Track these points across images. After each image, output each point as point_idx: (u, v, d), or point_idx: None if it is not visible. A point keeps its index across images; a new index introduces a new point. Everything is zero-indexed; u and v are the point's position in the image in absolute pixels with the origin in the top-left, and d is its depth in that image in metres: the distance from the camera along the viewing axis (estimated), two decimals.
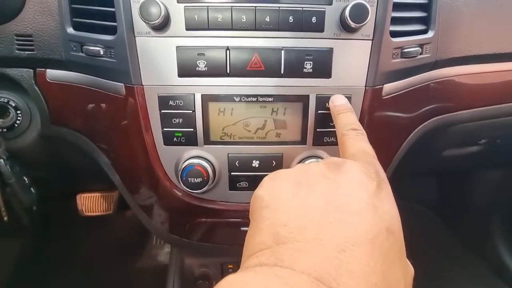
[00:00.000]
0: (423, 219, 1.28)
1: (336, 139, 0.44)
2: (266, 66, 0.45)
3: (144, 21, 0.41)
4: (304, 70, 0.45)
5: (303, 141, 0.49)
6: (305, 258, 0.23)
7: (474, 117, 0.61)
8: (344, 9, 0.42)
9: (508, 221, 1.07)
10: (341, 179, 0.29)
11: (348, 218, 0.25)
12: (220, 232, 0.60)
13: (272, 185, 0.31)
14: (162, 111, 0.47)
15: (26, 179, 0.57)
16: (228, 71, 0.45)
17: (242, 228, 0.57)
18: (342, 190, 0.28)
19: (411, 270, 0.29)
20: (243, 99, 0.46)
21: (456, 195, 1.23)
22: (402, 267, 0.26)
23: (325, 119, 0.47)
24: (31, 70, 0.51)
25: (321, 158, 0.50)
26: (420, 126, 0.57)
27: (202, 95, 0.46)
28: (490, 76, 0.58)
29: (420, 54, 0.49)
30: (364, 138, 0.37)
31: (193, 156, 0.49)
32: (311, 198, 0.28)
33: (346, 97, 0.46)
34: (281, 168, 0.50)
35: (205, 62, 0.44)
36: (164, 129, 0.48)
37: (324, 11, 0.43)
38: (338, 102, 0.44)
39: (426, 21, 0.50)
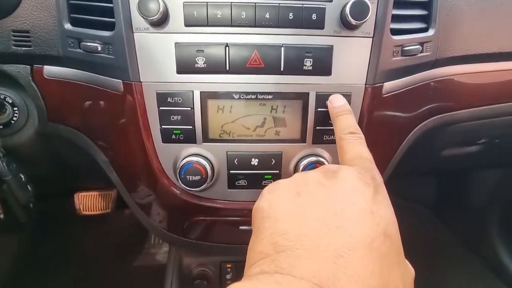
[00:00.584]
0: (421, 219, 1.29)
1: None
2: (266, 63, 0.44)
3: (143, 17, 0.41)
4: (304, 67, 0.45)
5: (302, 139, 0.49)
6: (304, 264, 0.24)
7: (474, 117, 0.61)
8: (344, 6, 0.42)
9: (506, 221, 1.07)
10: (337, 186, 0.30)
11: (345, 224, 0.26)
12: (218, 231, 0.60)
13: (272, 196, 0.31)
14: (161, 108, 0.46)
15: (22, 177, 0.56)
16: (227, 68, 0.44)
17: (240, 227, 0.56)
18: (339, 197, 0.29)
19: (411, 272, 0.29)
20: (242, 96, 0.46)
21: (455, 195, 1.23)
22: (401, 270, 0.27)
23: (325, 117, 0.47)
24: (28, 66, 0.50)
25: (321, 156, 0.49)
26: (420, 125, 0.57)
27: (201, 92, 0.46)
28: (490, 75, 0.58)
29: (421, 52, 0.49)
30: (362, 142, 0.38)
31: (192, 153, 0.49)
32: (309, 207, 0.29)
33: (346, 95, 0.46)
34: (280, 166, 0.50)
35: (204, 59, 0.44)
36: (163, 126, 0.47)
37: (324, 8, 0.43)
38: (336, 103, 0.44)
39: (426, 19, 0.50)
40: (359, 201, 0.28)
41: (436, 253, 1.14)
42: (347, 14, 0.42)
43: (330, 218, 0.27)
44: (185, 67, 0.44)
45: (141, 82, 0.45)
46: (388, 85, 0.49)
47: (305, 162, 0.49)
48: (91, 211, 1.01)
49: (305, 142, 0.49)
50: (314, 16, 0.43)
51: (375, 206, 0.28)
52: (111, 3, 0.43)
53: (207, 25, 0.43)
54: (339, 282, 0.22)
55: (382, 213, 0.28)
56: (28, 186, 0.57)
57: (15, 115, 0.53)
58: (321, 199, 0.29)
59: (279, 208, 0.30)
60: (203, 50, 0.44)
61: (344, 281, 0.23)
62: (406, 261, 0.29)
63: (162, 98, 0.46)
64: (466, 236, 1.18)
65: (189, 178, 0.48)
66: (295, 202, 0.29)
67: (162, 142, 0.48)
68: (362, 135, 0.39)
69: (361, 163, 0.34)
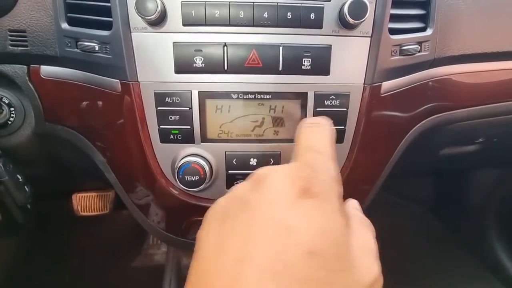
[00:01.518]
0: (419, 218, 1.29)
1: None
2: (264, 63, 0.44)
3: (140, 16, 0.41)
4: (303, 67, 0.44)
5: None
6: None
7: (472, 116, 0.61)
8: (343, 6, 0.42)
9: (504, 220, 1.07)
10: (261, 200, 0.25)
11: (254, 252, 0.22)
12: None
13: (204, 225, 0.27)
14: (159, 108, 0.46)
15: (20, 177, 0.56)
16: (225, 67, 0.44)
17: None
18: (259, 214, 0.24)
19: (367, 278, 0.24)
20: (240, 96, 0.46)
21: (453, 194, 1.24)
22: (343, 284, 0.22)
23: None
24: (25, 66, 0.50)
25: None
26: (418, 125, 0.57)
27: (199, 92, 0.45)
28: (488, 74, 0.58)
29: (419, 51, 0.49)
30: (319, 131, 0.31)
31: (190, 154, 0.48)
32: (230, 236, 0.24)
33: (344, 94, 0.46)
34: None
35: (202, 59, 0.44)
36: (161, 126, 0.47)
37: (323, 8, 0.43)
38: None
39: (424, 19, 0.50)
40: (276, 215, 0.24)
41: (434, 253, 1.14)
42: (345, 14, 0.42)
43: (246, 246, 0.23)
44: (183, 66, 0.44)
45: (139, 82, 0.45)
46: (386, 85, 0.49)
47: None
48: (89, 212, 1.01)
49: None
50: (312, 16, 0.43)
51: (293, 219, 0.23)
52: (109, 2, 0.43)
53: (205, 25, 0.43)
54: None
55: (305, 226, 0.23)
56: (26, 187, 0.57)
57: (12, 115, 0.52)
58: (242, 223, 0.24)
59: (203, 242, 0.26)
60: (201, 50, 0.43)
61: None
62: (365, 265, 0.24)
63: (160, 98, 0.46)
64: (464, 236, 1.18)
65: (187, 178, 0.47)
66: (219, 233, 0.25)
67: (160, 142, 0.48)
68: (324, 122, 0.32)
69: (304, 157, 0.28)
